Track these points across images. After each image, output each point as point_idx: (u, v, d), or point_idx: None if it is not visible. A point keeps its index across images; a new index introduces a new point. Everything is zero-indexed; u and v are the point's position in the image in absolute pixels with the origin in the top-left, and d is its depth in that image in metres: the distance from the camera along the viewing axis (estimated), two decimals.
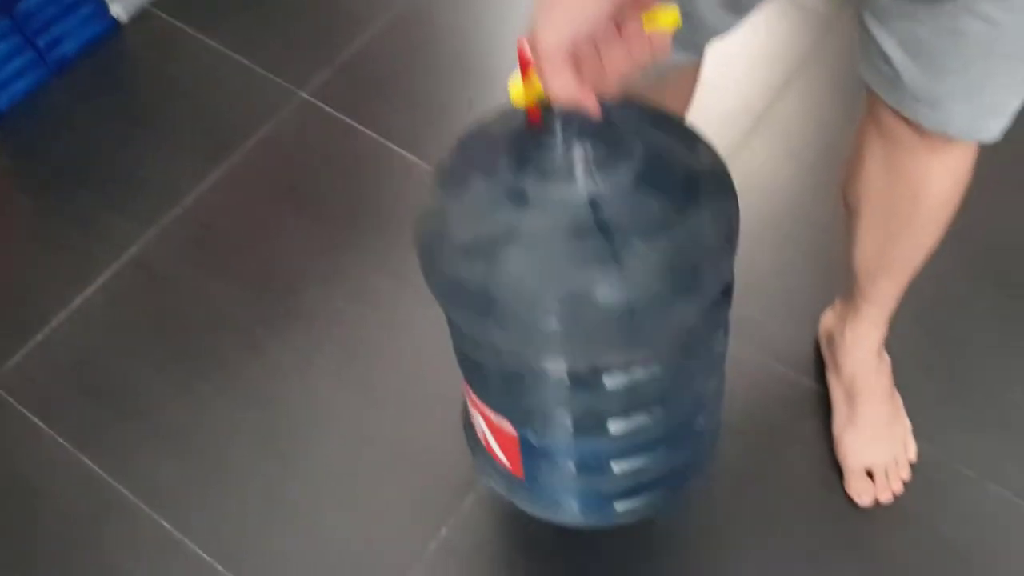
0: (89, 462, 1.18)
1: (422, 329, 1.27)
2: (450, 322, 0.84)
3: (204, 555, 1.12)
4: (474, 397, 0.88)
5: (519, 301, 0.71)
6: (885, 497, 1.13)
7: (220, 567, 1.11)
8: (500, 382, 0.84)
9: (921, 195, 0.93)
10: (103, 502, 1.16)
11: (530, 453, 0.89)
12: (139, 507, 1.15)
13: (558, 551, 1.12)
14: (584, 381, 0.79)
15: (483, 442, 0.94)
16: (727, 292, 0.86)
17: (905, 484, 1.14)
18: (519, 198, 0.71)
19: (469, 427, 0.97)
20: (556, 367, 0.78)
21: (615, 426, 0.84)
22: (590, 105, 0.60)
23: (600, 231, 0.70)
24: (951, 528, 1.12)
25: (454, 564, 1.11)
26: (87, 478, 1.17)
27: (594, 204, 0.70)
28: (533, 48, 0.58)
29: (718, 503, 1.14)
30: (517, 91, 0.67)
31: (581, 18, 0.56)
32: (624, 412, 0.83)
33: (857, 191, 0.99)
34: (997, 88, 0.79)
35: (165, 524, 1.14)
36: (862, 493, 1.13)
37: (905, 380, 1.18)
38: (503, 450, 0.91)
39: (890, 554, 1.11)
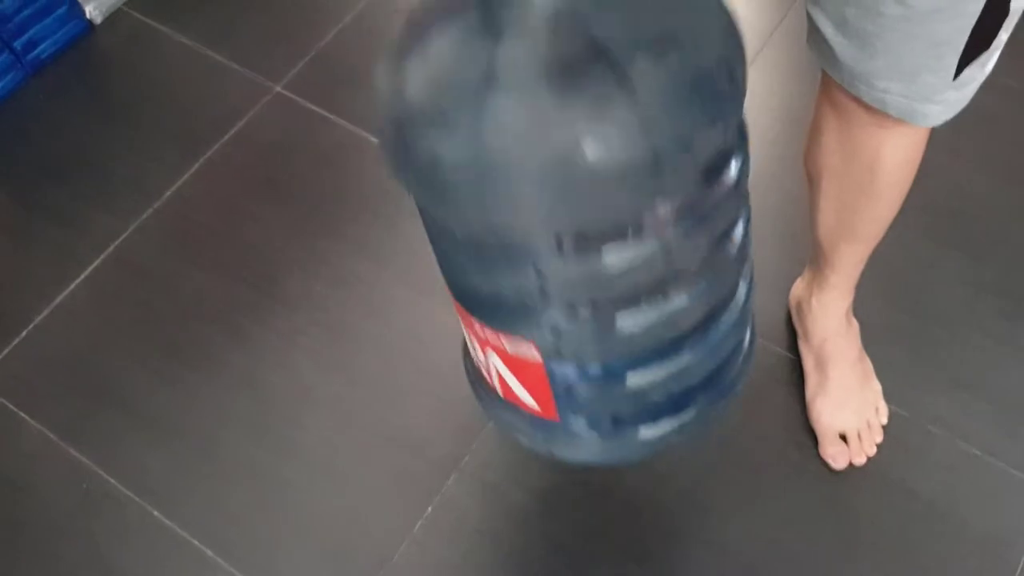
0: (77, 454, 1.20)
1: (403, 310, 1.29)
2: (436, 237, 0.73)
3: (194, 541, 1.14)
4: (484, 333, 0.76)
5: (507, 154, 0.59)
6: (859, 460, 1.16)
7: (209, 552, 1.13)
8: (504, 284, 0.71)
9: (876, 168, 0.96)
10: (92, 492, 1.18)
11: (554, 380, 0.77)
12: (128, 496, 1.17)
13: (540, 521, 1.14)
14: (586, 253, 0.67)
15: (502, 392, 0.83)
16: (742, 136, 0.76)
17: (878, 445, 1.17)
18: (488, 32, 0.59)
19: (482, 388, 0.87)
20: (565, 230, 0.64)
21: (628, 321, 0.72)
22: None
23: (591, 53, 0.58)
24: (923, 486, 1.15)
25: (441, 540, 1.13)
26: (75, 470, 1.19)
27: (580, 20, 0.59)
28: None
29: (696, 470, 1.17)
30: None
31: None
32: (635, 301, 0.71)
33: (816, 163, 1.02)
34: (927, 74, 0.81)
35: (154, 512, 1.16)
36: (836, 456, 1.16)
37: (874, 345, 1.21)
38: (529, 387, 0.79)
39: (866, 513, 1.14)
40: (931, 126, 0.88)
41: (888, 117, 0.88)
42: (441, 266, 0.77)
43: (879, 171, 0.96)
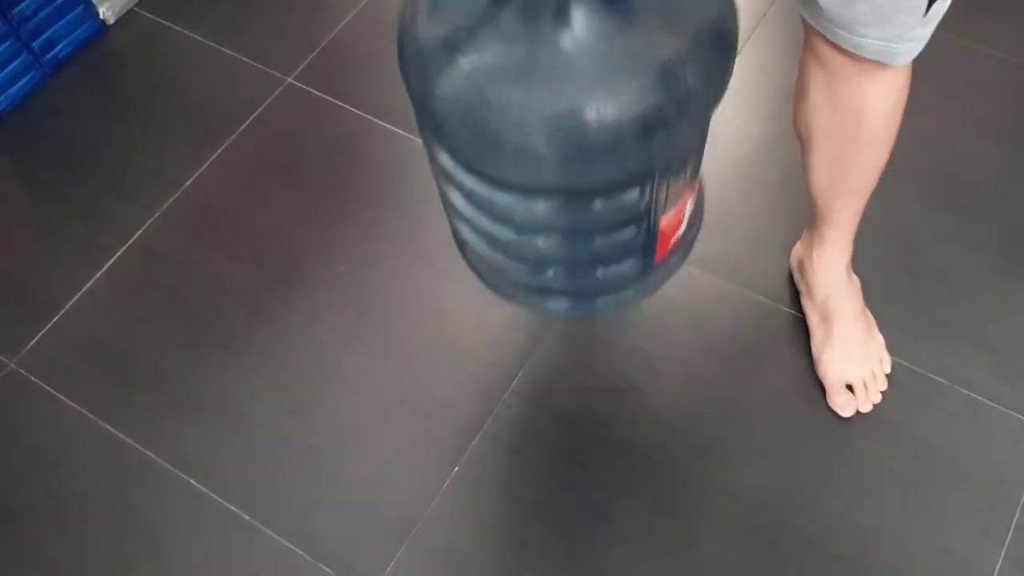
0: (113, 430, 1.24)
1: (420, 287, 1.34)
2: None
3: (231, 506, 1.18)
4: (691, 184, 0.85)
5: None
6: (865, 408, 1.21)
7: (246, 516, 1.17)
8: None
9: (863, 117, 1.01)
10: (130, 466, 1.22)
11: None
12: (165, 467, 1.21)
13: (564, 477, 1.19)
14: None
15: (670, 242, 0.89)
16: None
17: (883, 394, 1.22)
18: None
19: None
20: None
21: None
22: None
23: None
24: (928, 431, 1.20)
25: (469, 498, 1.18)
26: (113, 445, 1.23)
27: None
28: None
29: (710, 424, 1.22)
30: None
31: None
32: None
33: (806, 121, 1.07)
34: (902, 14, 0.87)
35: (191, 481, 1.20)
36: (844, 406, 1.21)
37: (875, 302, 1.26)
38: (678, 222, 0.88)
39: (874, 458, 1.19)
40: (904, 64, 0.94)
41: (870, 66, 0.94)
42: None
43: (866, 120, 1.02)
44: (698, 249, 1.33)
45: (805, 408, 1.22)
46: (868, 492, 1.17)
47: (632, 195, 0.76)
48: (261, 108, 1.52)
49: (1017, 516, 1.14)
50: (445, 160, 0.79)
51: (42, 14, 1.51)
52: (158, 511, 1.19)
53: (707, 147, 1.44)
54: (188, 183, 1.46)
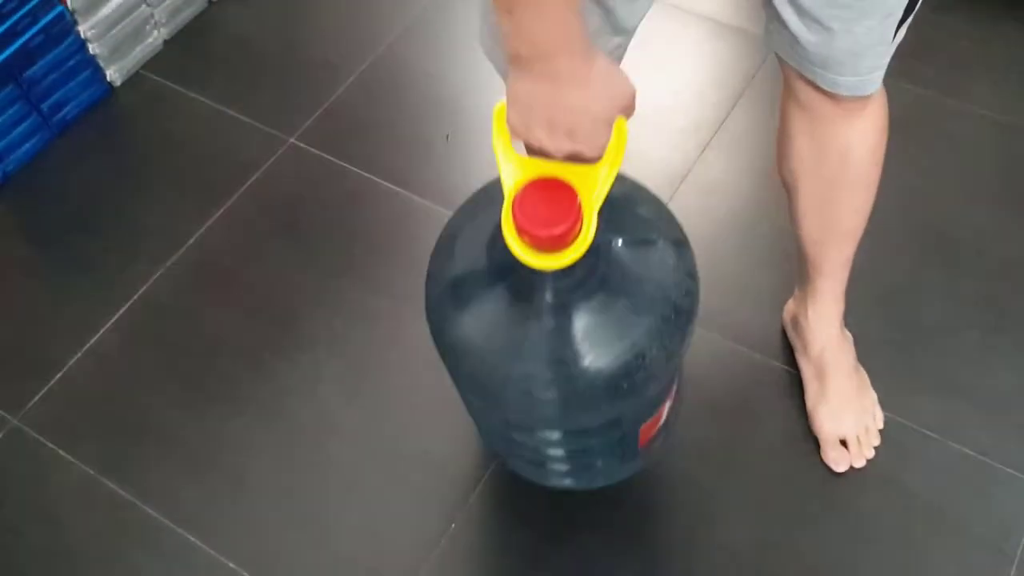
0: (115, 486, 1.25)
1: (420, 343, 1.35)
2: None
3: (230, 563, 1.19)
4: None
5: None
6: (859, 463, 1.22)
7: (246, 573, 1.18)
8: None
9: (848, 158, 1.04)
10: (131, 523, 1.23)
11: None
12: (165, 524, 1.22)
13: (561, 532, 1.20)
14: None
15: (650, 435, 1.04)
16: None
17: (876, 449, 1.23)
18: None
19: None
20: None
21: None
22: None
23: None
24: (921, 485, 1.21)
25: (466, 554, 1.19)
26: (113, 502, 1.24)
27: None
28: (588, 112, 0.71)
29: (706, 479, 1.23)
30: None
31: (620, 103, 0.72)
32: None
33: (791, 167, 1.09)
34: (876, 45, 0.90)
35: (191, 538, 1.21)
36: (838, 460, 1.22)
37: (868, 357, 1.28)
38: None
39: (868, 513, 1.20)
40: (874, 91, 0.96)
41: (850, 104, 0.97)
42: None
43: (851, 161, 1.04)
44: None
45: (800, 463, 1.24)
46: (863, 547, 1.17)
47: (613, 426, 0.91)
48: (264, 167, 1.56)
49: (1013, 572, 1.14)
50: (462, 386, 0.95)
51: (52, 77, 1.55)
52: (158, 568, 1.20)
53: (700, 205, 1.47)
54: (192, 240, 1.48)
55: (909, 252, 1.41)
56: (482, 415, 1.00)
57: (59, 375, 1.36)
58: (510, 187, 0.74)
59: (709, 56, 1.67)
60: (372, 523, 1.22)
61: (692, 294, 0.84)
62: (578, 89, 0.69)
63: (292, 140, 1.59)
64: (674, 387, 1.00)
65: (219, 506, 1.24)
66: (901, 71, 1.00)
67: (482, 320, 0.82)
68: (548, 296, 0.78)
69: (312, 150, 1.58)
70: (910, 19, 0.91)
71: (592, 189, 0.73)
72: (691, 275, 0.85)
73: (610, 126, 0.72)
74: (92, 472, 1.27)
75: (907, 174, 1.45)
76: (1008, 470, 1.21)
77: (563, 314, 0.79)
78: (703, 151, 1.53)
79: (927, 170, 1.49)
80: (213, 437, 1.29)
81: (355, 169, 1.55)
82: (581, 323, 0.79)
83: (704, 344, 1.34)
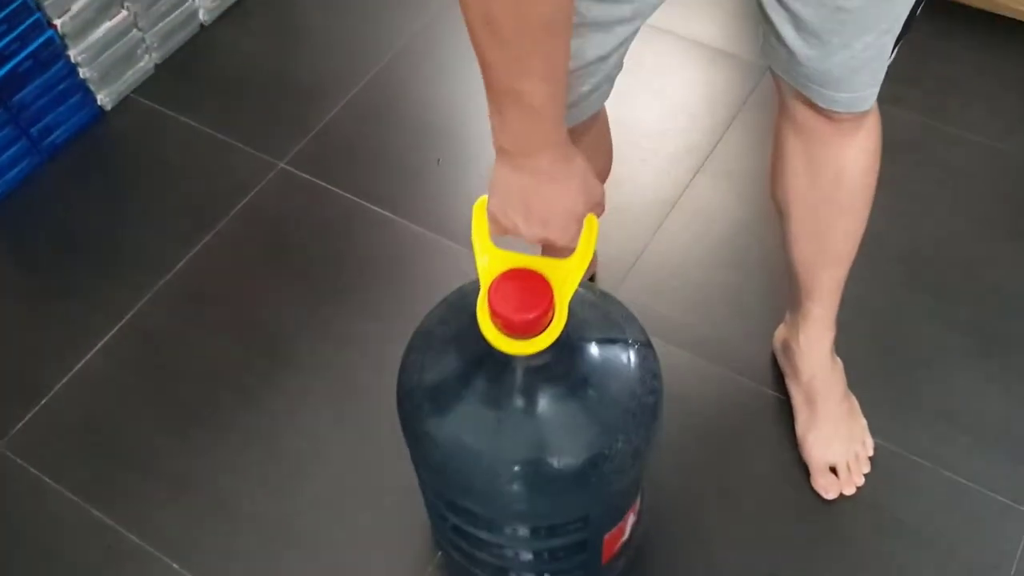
0: (99, 514, 1.24)
1: None
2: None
3: None
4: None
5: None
6: (849, 490, 1.22)
7: None
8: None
9: (842, 180, 1.04)
10: (114, 550, 1.21)
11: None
12: (149, 552, 1.21)
13: None
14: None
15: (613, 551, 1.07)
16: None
17: (866, 476, 1.23)
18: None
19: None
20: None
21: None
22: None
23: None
24: (911, 513, 1.20)
25: None
26: (98, 529, 1.23)
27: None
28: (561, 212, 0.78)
29: (694, 509, 1.22)
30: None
31: (592, 201, 0.79)
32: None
33: (785, 190, 1.09)
34: (872, 62, 0.90)
35: (174, 565, 1.20)
36: (828, 488, 1.22)
37: (857, 384, 1.27)
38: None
39: (857, 542, 1.19)
40: (868, 108, 0.96)
41: (846, 125, 0.97)
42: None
43: (844, 181, 1.04)
44: (681, 331, 1.36)
45: (789, 491, 1.23)
46: (853, 574, 1.16)
47: (578, 525, 0.93)
48: (254, 192, 1.56)
49: None
50: (427, 479, 0.98)
51: (41, 101, 1.55)
52: None
53: (690, 230, 1.47)
54: (180, 265, 1.48)
55: (899, 277, 1.40)
56: (445, 517, 1.00)
57: (44, 400, 1.35)
58: (486, 277, 0.79)
59: (700, 82, 1.67)
60: (357, 553, 1.20)
61: (656, 392, 0.88)
62: (555, 184, 0.76)
63: (282, 164, 1.59)
64: (637, 500, 1.03)
65: (203, 532, 1.22)
66: (895, 96, 1.00)
67: (453, 409, 0.85)
68: (520, 387, 0.82)
69: (302, 175, 1.58)
70: (906, 36, 0.91)
71: (564, 281, 0.79)
72: (656, 375, 0.89)
73: (581, 220, 0.79)
74: (76, 499, 1.26)
75: (898, 199, 1.45)
76: (999, 498, 1.20)
77: (534, 404, 0.83)
78: (694, 176, 1.53)
79: (918, 195, 1.49)
80: (198, 463, 1.28)
81: (345, 194, 1.54)
82: (551, 413, 0.83)
83: (693, 370, 1.33)
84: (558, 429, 0.84)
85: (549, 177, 0.75)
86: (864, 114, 0.98)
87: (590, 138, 1.08)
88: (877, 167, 1.06)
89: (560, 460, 0.83)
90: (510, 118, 0.72)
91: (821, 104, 0.95)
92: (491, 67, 0.68)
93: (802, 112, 0.99)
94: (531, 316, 0.76)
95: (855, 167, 1.04)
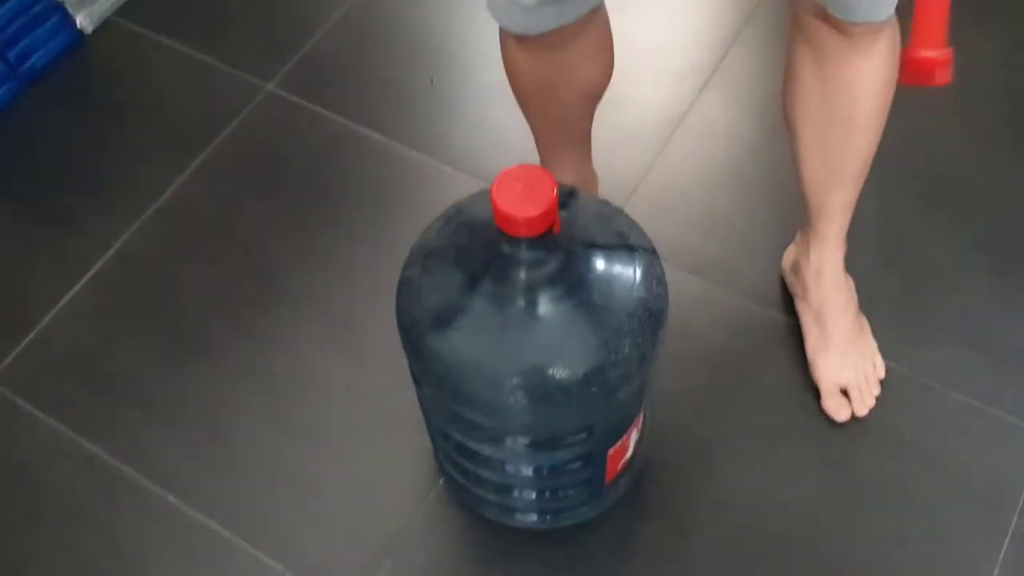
0: (92, 447, 1.21)
1: None
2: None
3: (211, 523, 1.15)
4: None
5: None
6: (860, 412, 1.19)
7: (227, 532, 1.15)
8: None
9: (856, 96, 1.00)
10: (109, 483, 1.19)
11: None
12: (144, 484, 1.18)
13: None
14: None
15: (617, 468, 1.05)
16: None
17: (877, 399, 1.20)
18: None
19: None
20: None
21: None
22: None
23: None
24: (922, 435, 1.18)
25: (454, 509, 1.15)
26: (91, 462, 1.20)
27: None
28: None
29: (701, 432, 1.19)
30: None
31: None
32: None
33: (796, 108, 1.05)
34: None
35: (170, 498, 1.17)
36: (839, 410, 1.19)
37: (869, 305, 1.24)
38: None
39: (867, 465, 1.16)
40: (888, 16, 0.92)
41: (861, 39, 0.93)
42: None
43: (859, 100, 1.00)
44: (687, 253, 1.32)
45: (798, 414, 1.20)
46: (861, 499, 1.14)
47: (582, 436, 0.92)
48: (240, 116, 1.50)
49: (1014, 522, 1.11)
50: (428, 394, 0.95)
51: (17, 23, 1.49)
52: (137, 528, 1.16)
53: (696, 150, 1.43)
54: (168, 193, 1.43)
55: (912, 195, 1.36)
56: (447, 435, 0.98)
57: (33, 333, 1.31)
58: None
59: None
60: (356, 479, 1.18)
61: (662, 298, 0.88)
62: None
63: (269, 87, 1.53)
64: (640, 416, 1.01)
65: (197, 464, 1.20)
66: (909, 8, 0.95)
67: (457, 318, 0.85)
68: (524, 293, 0.82)
69: (291, 97, 1.52)
70: None
71: None
72: (661, 282, 0.88)
73: None
74: (69, 432, 1.23)
75: (911, 116, 1.39)
76: (1011, 419, 1.18)
77: (540, 310, 0.83)
78: (699, 94, 1.48)
79: (932, 111, 1.43)
80: (192, 395, 1.25)
81: (335, 116, 1.49)
82: (557, 319, 0.83)
83: (699, 293, 1.30)
84: (564, 334, 0.83)
85: None
86: (881, 27, 0.94)
87: (590, 37, 1.03)
88: (893, 85, 1.01)
89: (567, 365, 0.82)
90: None
91: (837, 15, 0.91)
92: None
93: (816, 26, 0.95)
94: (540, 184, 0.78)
95: (870, 83, 1.00)
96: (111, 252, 1.38)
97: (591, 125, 1.20)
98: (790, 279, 1.26)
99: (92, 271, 1.36)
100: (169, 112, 1.53)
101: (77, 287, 1.35)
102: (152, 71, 1.58)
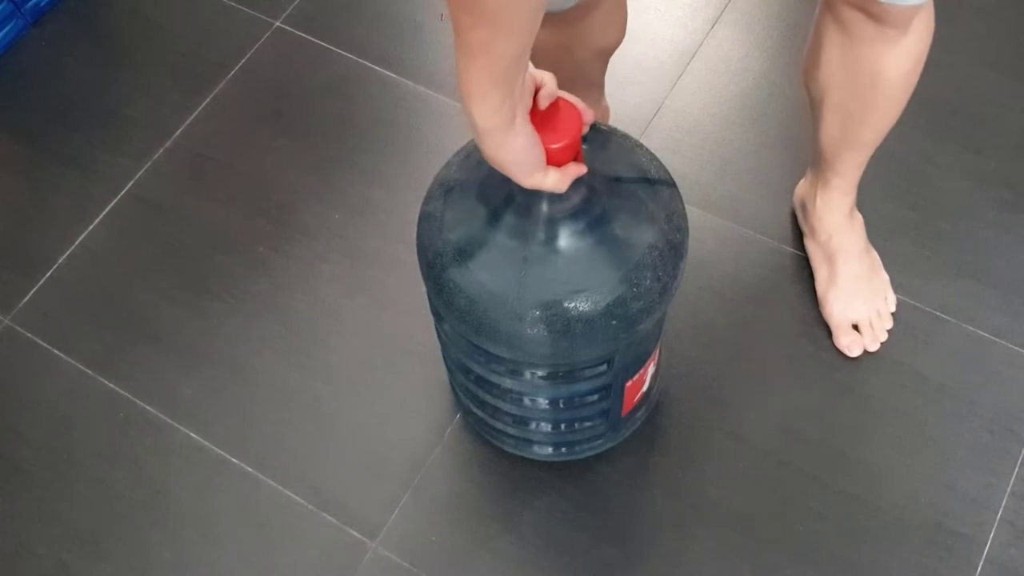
0: (111, 384, 1.23)
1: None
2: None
3: (232, 459, 1.17)
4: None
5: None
6: (872, 347, 1.20)
7: (249, 468, 1.17)
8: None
9: (879, 81, 0.99)
10: (130, 420, 1.21)
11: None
12: (165, 421, 1.20)
13: None
14: None
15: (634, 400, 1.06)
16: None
17: (889, 333, 1.21)
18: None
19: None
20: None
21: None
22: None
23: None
24: (934, 368, 1.19)
25: (473, 444, 1.17)
26: (112, 400, 1.22)
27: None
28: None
29: (713, 367, 1.21)
30: None
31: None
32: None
33: (818, 81, 1.04)
34: None
35: (192, 434, 1.19)
36: (851, 346, 1.20)
37: (880, 239, 1.25)
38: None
39: (881, 397, 1.18)
40: (922, 4, 0.90)
41: (894, 28, 0.92)
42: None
43: (881, 83, 0.99)
44: (699, 189, 1.32)
45: (810, 349, 1.21)
46: (874, 431, 1.16)
47: (601, 369, 0.94)
48: (250, 53, 1.49)
49: (1023, 453, 1.13)
50: (448, 328, 0.95)
51: None
52: (160, 464, 1.18)
53: (709, 84, 1.41)
54: (179, 132, 1.43)
55: (924, 128, 1.35)
56: (467, 369, 0.99)
57: (49, 273, 1.32)
58: None
59: None
60: (375, 415, 1.20)
61: (683, 231, 0.88)
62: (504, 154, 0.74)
63: (278, 23, 1.51)
64: (657, 350, 1.02)
65: (218, 401, 1.22)
66: None
67: (479, 252, 0.85)
68: (546, 226, 0.82)
69: (300, 33, 1.50)
70: None
71: None
72: (681, 215, 0.88)
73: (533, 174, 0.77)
74: (88, 370, 1.24)
75: None
76: (1022, 351, 1.19)
77: (562, 243, 0.83)
78: (712, 27, 1.46)
79: (945, 42, 1.41)
80: (210, 332, 1.26)
81: (345, 53, 1.48)
82: (579, 251, 0.83)
83: (712, 228, 1.30)
84: (586, 268, 0.83)
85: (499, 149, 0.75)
86: (917, 10, 0.92)
87: (608, 6, 1.02)
88: (918, 72, 1.00)
89: (588, 298, 0.83)
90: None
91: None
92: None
93: (848, 12, 0.93)
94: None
95: (895, 70, 0.98)
96: (125, 190, 1.38)
97: (605, 70, 1.19)
98: (800, 216, 1.26)
99: (105, 211, 1.37)
100: (177, 50, 1.51)
101: (91, 227, 1.36)
102: (159, 8, 1.56)
